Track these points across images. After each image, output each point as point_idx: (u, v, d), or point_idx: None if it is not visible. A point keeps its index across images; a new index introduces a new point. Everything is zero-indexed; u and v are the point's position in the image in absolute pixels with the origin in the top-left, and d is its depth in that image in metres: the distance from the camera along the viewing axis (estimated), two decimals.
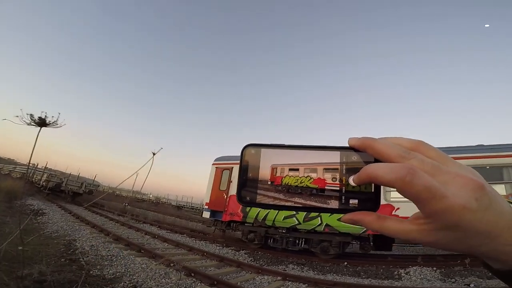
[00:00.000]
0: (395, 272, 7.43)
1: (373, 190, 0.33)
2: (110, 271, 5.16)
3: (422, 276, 7.03)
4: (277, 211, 9.45)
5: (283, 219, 9.36)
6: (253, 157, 0.37)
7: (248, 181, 0.36)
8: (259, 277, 6.72)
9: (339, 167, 0.34)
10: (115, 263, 5.71)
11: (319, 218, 8.82)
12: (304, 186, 0.35)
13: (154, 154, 2.07)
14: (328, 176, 0.34)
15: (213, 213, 11.14)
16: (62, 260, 5.22)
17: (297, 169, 0.35)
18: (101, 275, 4.86)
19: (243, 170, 0.37)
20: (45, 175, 18.25)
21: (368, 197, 0.33)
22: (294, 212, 9.17)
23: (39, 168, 21.88)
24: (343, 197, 0.33)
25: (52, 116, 1.65)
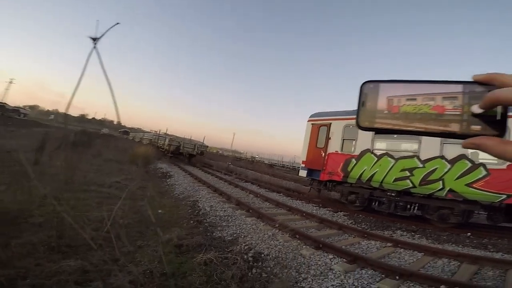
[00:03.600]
0: None
1: (499, 116, 0.32)
2: (228, 232, 5.71)
3: None
4: (387, 170, 8.48)
5: (393, 181, 8.30)
6: (371, 90, 0.39)
7: (367, 110, 0.38)
8: (365, 241, 6.34)
9: (461, 95, 0.33)
10: (230, 223, 6.31)
11: (440, 182, 7.43)
12: (423, 112, 0.35)
13: (95, 40, 1.24)
14: (448, 104, 0.34)
15: (310, 171, 10.88)
16: (191, 222, 6.08)
17: (415, 99, 0.35)
18: (221, 237, 5.45)
19: (362, 101, 0.39)
20: (167, 140, 21.11)
21: (493, 123, 0.32)
22: (408, 174, 8.02)
23: (161, 135, 26.05)
24: (464, 123, 0.33)
25: None
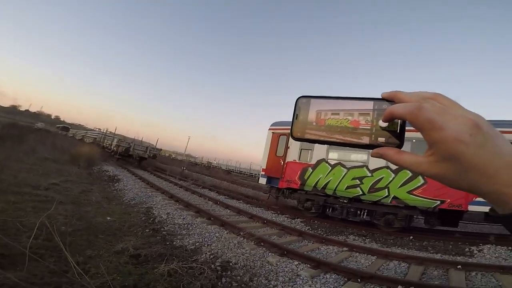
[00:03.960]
0: (466, 249, 6.87)
1: (398, 130, 0.38)
2: (190, 241, 5.32)
3: (497, 254, 6.41)
4: (340, 179, 9.01)
5: (345, 189, 8.85)
6: (304, 105, 0.44)
7: (299, 122, 0.43)
8: (324, 247, 6.57)
9: (371, 112, 0.39)
10: (191, 232, 5.91)
11: (386, 189, 8.17)
12: (343, 126, 0.40)
13: None
14: (362, 119, 0.39)
15: (269, 179, 10.96)
16: (147, 230, 5.50)
17: (338, 114, 0.41)
18: (183, 246, 5.04)
19: (296, 114, 0.44)
20: (115, 140, 19.02)
21: (394, 135, 0.38)
22: (359, 182, 8.64)
23: (108, 134, 23.31)
24: (373, 136, 0.38)
25: None
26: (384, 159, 0.37)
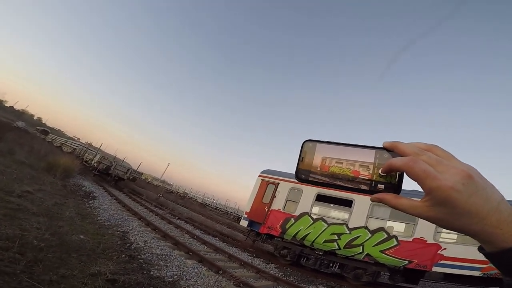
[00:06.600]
0: None
1: (397, 179, 0.39)
2: (168, 273, 4.83)
3: None
4: (319, 232, 8.97)
5: (323, 242, 8.76)
6: (310, 149, 0.45)
7: (304, 165, 0.44)
8: None
9: (373, 160, 0.41)
10: (169, 264, 5.40)
11: (361, 247, 8.19)
12: (345, 174, 0.42)
13: None
14: (363, 169, 0.41)
15: (251, 223, 10.62)
16: (122, 256, 4.96)
17: (342, 163, 0.42)
18: (161, 277, 4.55)
19: (302, 157, 0.45)
20: (97, 156, 17.76)
21: (392, 184, 0.39)
22: (336, 238, 8.61)
23: (91, 148, 21.53)
24: (373, 183, 0.40)
25: None
26: (383, 203, 0.39)
